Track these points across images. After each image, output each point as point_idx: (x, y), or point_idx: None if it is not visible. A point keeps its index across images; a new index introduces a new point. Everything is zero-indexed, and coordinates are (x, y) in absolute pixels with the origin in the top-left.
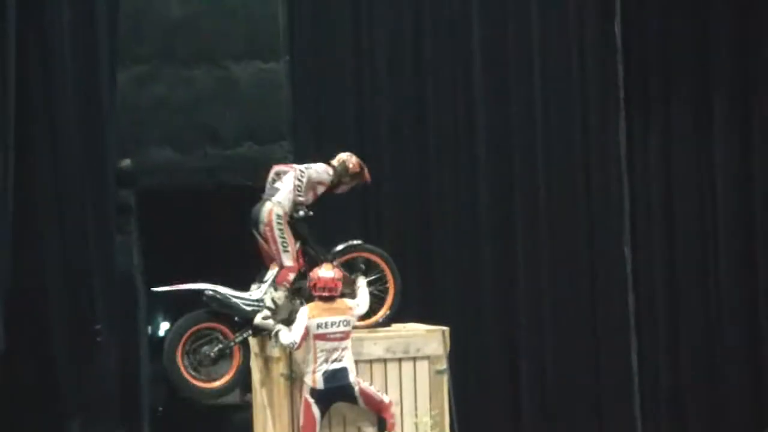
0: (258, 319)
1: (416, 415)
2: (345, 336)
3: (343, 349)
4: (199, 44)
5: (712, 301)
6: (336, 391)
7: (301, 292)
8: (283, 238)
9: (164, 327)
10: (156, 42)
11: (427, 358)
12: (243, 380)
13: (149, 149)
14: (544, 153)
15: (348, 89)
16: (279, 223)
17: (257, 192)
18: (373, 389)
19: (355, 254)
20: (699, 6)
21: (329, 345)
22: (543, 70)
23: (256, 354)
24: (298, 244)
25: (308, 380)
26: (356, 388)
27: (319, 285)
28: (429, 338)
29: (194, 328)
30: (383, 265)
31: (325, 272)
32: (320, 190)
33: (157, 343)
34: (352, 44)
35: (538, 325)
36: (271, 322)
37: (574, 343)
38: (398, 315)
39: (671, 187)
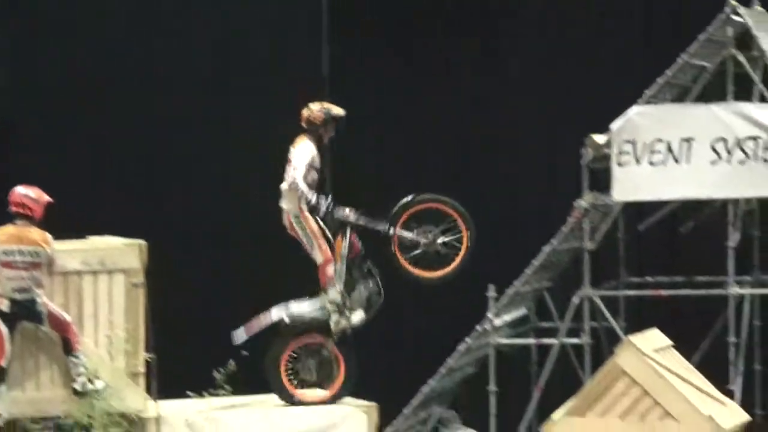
0: (333, 328)
1: (110, 329)
2: (34, 267)
3: (32, 279)
4: None
5: None
6: (22, 314)
7: (371, 272)
8: (307, 234)
9: None
10: None
11: (124, 271)
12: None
13: None
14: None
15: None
16: (299, 221)
17: None
18: (59, 310)
19: (426, 205)
20: None
21: (15, 274)
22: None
23: None
24: (348, 231)
25: None
26: (44, 311)
27: (11, 200)
28: (126, 252)
29: (291, 346)
30: (456, 216)
31: (22, 189)
32: (316, 161)
33: None
34: None
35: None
36: (344, 322)
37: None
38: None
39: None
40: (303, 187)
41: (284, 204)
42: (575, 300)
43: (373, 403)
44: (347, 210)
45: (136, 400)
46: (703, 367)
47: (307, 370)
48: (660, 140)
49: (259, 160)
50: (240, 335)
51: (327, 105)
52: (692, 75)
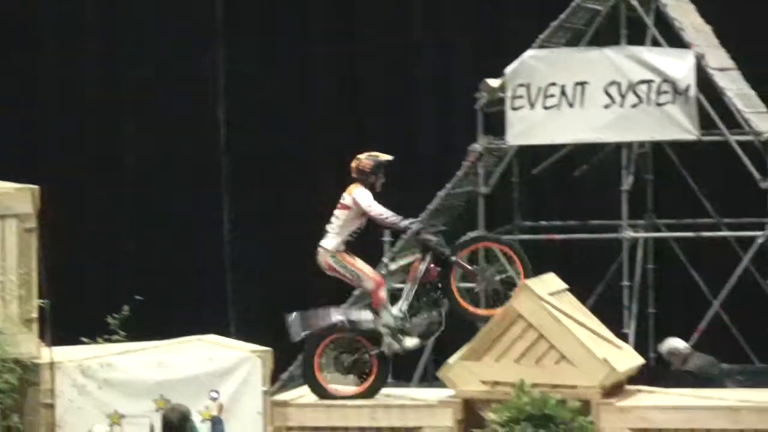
0: (386, 351)
1: (3, 274)
2: None
3: None
4: None
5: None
6: None
7: (438, 302)
8: (351, 270)
9: None
10: None
11: (17, 216)
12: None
13: None
14: None
15: None
16: (336, 260)
17: None
18: None
19: (479, 245)
20: None
21: None
22: None
23: None
24: (428, 257)
25: None
26: None
27: None
28: (18, 196)
29: (332, 337)
30: (511, 254)
31: None
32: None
33: None
34: None
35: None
36: (396, 347)
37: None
38: None
39: None
40: (389, 212)
41: (324, 243)
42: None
43: (268, 349)
44: (431, 235)
45: (29, 345)
46: (598, 311)
47: (341, 363)
48: (554, 84)
49: (153, 106)
50: (297, 332)
51: (374, 153)
52: (585, 18)
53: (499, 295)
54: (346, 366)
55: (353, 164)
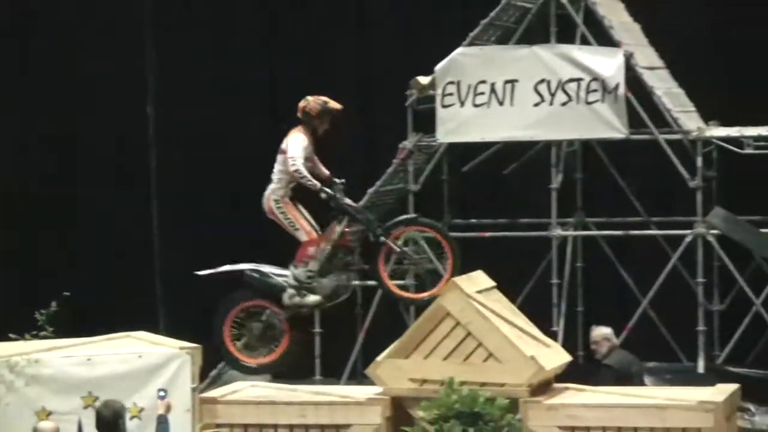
0: (285, 300)
1: None
2: None
3: None
4: None
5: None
6: None
7: (349, 267)
8: (288, 218)
9: None
10: None
11: None
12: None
13: None
14: None
15: None
16: (279, 207)
17: None
18: None
19: (409, 228)
20: None
21: None
22: None
23: None
24: (344, 221)
25: None
26: None
27: None
28: None
29: (240, 307)
30: (440, 239)
31: None
32: (308, 151)
33: None
34: None
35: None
36: (297, 299)
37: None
38: None
39: None
40: (306, 173)
41: (268, 190)
42: (400, 241)
43: (197, 345)
44: (351, 202)
45: None
46: (527, 309)
47: (250, 331)
48: (484, 81)
49: (82, 101)
50: (205, 271)
51: (324, 98)
52: (516, 16)
53: (428, 278)
54: (257, 334)
55: (301, 104)
